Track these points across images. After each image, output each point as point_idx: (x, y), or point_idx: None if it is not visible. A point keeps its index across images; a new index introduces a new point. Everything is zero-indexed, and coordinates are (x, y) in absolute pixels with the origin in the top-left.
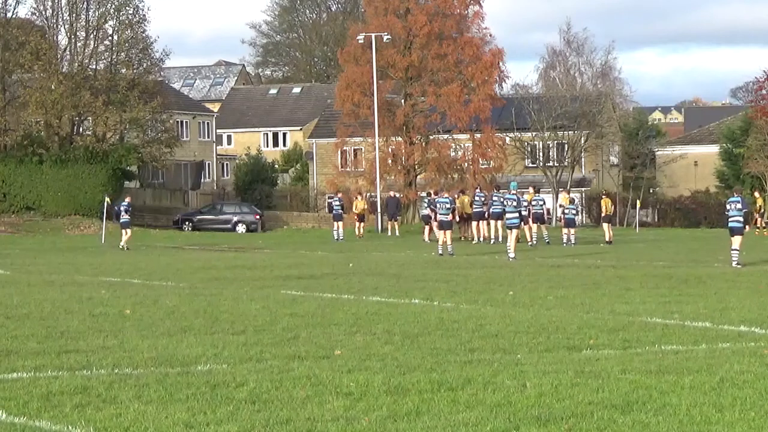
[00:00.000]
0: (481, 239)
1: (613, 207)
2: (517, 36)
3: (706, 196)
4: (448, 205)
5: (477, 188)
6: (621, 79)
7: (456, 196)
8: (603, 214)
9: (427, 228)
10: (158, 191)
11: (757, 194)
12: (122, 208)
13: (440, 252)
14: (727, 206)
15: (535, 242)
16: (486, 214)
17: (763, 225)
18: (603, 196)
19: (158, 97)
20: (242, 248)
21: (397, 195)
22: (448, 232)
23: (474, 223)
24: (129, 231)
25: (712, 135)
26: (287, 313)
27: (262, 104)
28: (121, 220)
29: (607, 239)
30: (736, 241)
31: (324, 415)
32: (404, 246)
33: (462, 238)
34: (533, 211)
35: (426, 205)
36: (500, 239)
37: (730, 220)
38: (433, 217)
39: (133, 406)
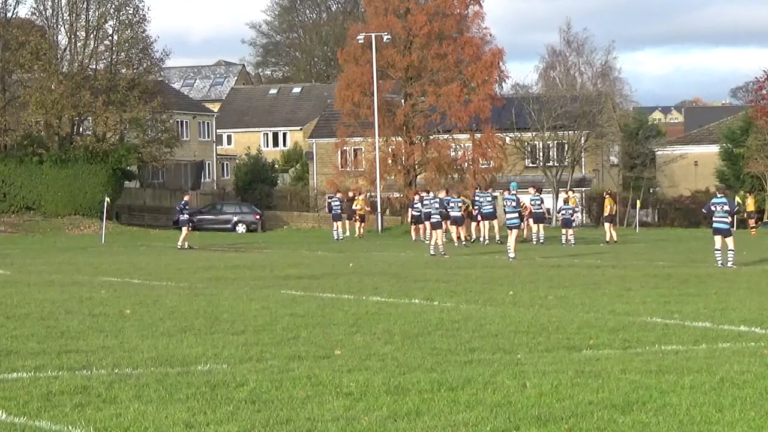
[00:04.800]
0: (481, 239)
1: (615, 207)
2: (517, 36)
3: (706, 196)
4: (437, 206)
5: (477, 188)
6: (621, 79)
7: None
8: (605, 214)
9: (413, 228)
10: (158, 191)
11: (747, 194)
12: (179, 207)
13: (432, 252)
14: (712, 207)
15: (542, 241)
16: (479, 215)
17: (753, 225)
18: (606, 196)
19: (158, 97)
20: (242, 248)
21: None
22: (439, 231)
23: (473, 224)
24: (184, 230)
25: (712, 135)
26: (287, 313)
27: (262, 104)
28: (180, 219)
29: (607, 239)
30: (729, 242)
31: (324, 415)
32: (404, 246)
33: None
34: (533, 210)
35: (414, 206)
36: (496, 239)
37: (715, 220)
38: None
39: (133, 406)
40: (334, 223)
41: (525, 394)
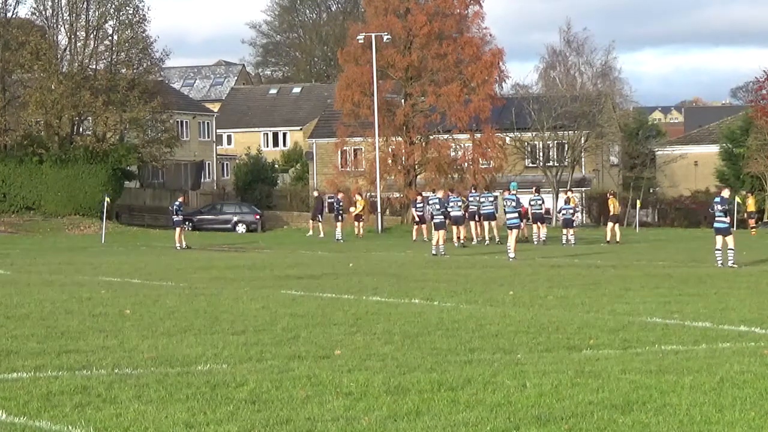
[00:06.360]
0: (478, 239)
1: (620, 207)
2: (517, 36)
3: (706, 196)
4: (438, 206)
5: (473, 188)
6: (621, 79)
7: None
8: (611, 213)
9: (416, 228)
10: (158, 191)
11: (747, 194)
12: (173, 208)
13: (434, 252)
14: (714, 206)
15: (544, 240)
16: (477, 215)
17: (753, 225)
18: (610, 196)
19: (158, 97)
20: (242, 248)
21: (323, 195)
22: (441, 232)
23: (472, 223)
24: (178, 230)
25: (712, 135)
26: (287, 313)
27: (262, 104)
28: (174, 220)
29: (608, 239)
30: (729, 240)
31: (324, 415)
32: (404, 246)
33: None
34: (533, 211)
35: (416, 206)
36: (496, 239)
37: (715, 220)
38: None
39: (133, 406)
40: (336, 223)
41: (525, 394)
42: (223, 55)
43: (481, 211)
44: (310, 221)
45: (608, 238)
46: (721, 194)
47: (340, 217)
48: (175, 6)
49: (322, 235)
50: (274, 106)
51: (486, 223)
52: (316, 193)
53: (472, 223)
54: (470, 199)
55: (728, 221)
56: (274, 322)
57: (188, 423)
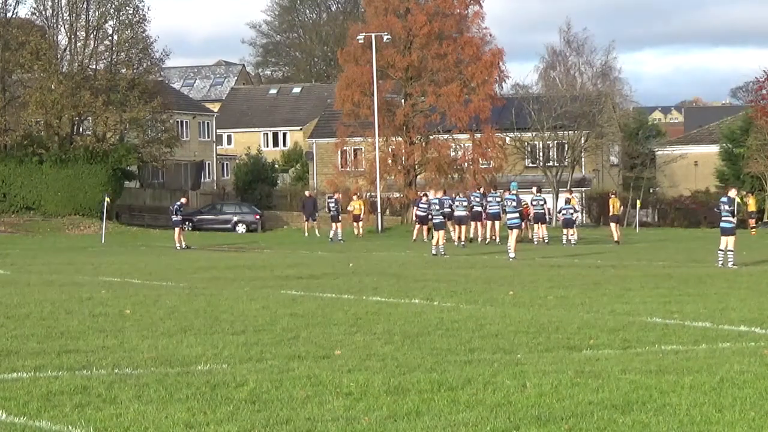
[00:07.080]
0: (479, 239)
1: (621, 207)
2: (517, 36)
3: (706, 196)
4: (437, 207)
5: (478, 188)
6: (621, 79)
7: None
8: (611, 214)
9: (417, 228)
10: (158, 191)
11: (747, 194)
12: (174, 208)
13: (434, 252)
14: (720, 206)
15: (547, 241)
16: (482, 215)
17: (753, 225)
18: (612, 196)
19: (158, 97)
20: (242, 248)
21: (314, 195)
22: (441, 232)
23: (473, 224)
24: (177, 230)
25: (712, 135)
26: (287, 313)
27: (262, 104)
28: (174, 220)
29: (615, 239)
30: (730, 241)
31: (324, 415)
32: (404, 246)
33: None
34: (534, 211)
35: (420, 206)
36: (497, 239)
37: (721, 220)
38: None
39: (133, 406)
40: (333, 224)
41: (525, 394)
42: (223, 55)
43: (488, 211)
44: (305, 223)
45: (616, 238)
46: (728, 194)
47: (338, 218)
48: (175, 6)
49: (318, 234)
50: (274, 106)
51: (489, 223)
52: (307, 194)
53: (473, 223)
54: (471, 199)
55: (734, 221)
56: (274, 322)
57: (188, 423)
